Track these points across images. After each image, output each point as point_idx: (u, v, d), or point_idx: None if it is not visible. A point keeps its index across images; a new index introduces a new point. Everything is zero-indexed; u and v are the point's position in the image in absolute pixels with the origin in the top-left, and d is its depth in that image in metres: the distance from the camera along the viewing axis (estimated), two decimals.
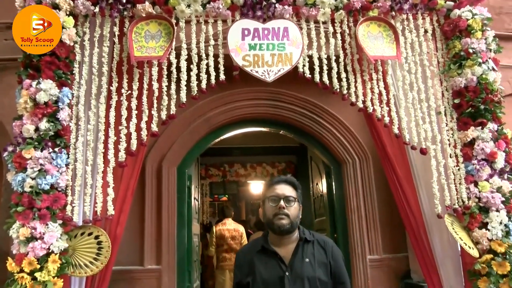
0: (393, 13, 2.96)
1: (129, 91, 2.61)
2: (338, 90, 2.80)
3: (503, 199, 2.66)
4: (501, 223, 2.64)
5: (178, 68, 2.60)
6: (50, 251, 2.24)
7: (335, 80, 2.78)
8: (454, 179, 2.80)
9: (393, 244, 3.90)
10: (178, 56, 2.63)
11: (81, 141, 2.50)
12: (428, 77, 2.93)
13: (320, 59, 2.77)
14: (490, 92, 2.81)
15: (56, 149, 2.38)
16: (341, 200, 4.13)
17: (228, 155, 7.61)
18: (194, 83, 2.58)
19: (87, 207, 2.44)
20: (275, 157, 7.85)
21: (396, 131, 2.83)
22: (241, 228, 6.02)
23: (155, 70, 2.62)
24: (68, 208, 2.38)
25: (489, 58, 2.90)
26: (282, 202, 2.00)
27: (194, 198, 4.41)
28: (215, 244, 5.78)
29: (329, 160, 4.24)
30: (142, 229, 3.63)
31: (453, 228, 2.67)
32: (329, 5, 2.81)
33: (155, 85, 2.59)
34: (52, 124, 2.39)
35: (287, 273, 1.93)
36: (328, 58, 2.79)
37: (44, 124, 2.37)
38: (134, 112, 2.58)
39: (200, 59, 2.64)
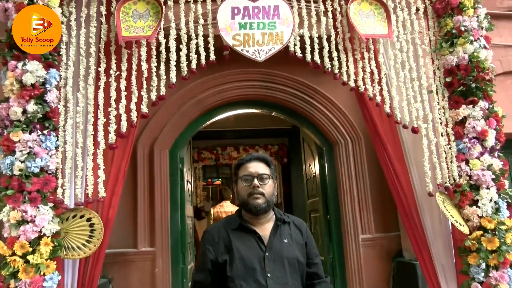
0: None
1: (118, 72, 2.56)
2: (329, 69, 2.77)
3: (494, 176, 2.69)
4: (491, 200, 2.67)
5: (167, 49, 2.56)
6: (42, 234, 2.22)
7: (326, 60, 2.76)
8: (446, 158, 2.81)
9: (385, 224, 3.94)
10: (167, 36, 2.58)
11: (70, 123, 2.46)
12: (420, 55, 2.92)
13: (311, 38, 2.73)
14: (481, 70, 2.81)
15: (45, 132, 2.35)
16: (333, 181, 4.15)
17: (220, 138, 7.60)
18: (184, 64, 2.54)
19: (78, 190, 2.42)
20: (268, 140, 7.86)
21: (387, 110, 2.82)
22: None
23: (143, 50, 2.57)
24: (59, 191, 2.36)
25: (481, 36, 2.89)
26: (256, 181, 1.91)
27: (187, 181, 4.41)
28: None
29: (321, 141, 4.24)
30: (135, 212, 3.63)
31: (444, 206, 2.70)
32: None
33: (144, 66, 2.55)
34: (40, 106, 2.35)
35: (267, 253, 1.87)
36: (320, 37, 2.76)
37: (32, 106, 2.32)
38: (124, 94, 2.53)
39: (189, 39, 2.60)
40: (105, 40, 2.60)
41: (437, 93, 2.91)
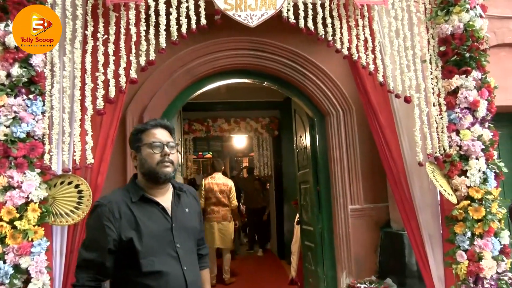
0: None
1: (106, 36, 2.48)
2: (323, 36, 2.72)
3: (483, 147, 2.71)
4: (479, 170, 2.70)
5: (157, 12, 2.48)
6: (29, 200, 2.20)
7: (320, 26, 2.70)
8: (437, 128, 2.82)
9: (374, 195, 3.97)
10: None
11: (57, 88, 2.39)
12: (415, 24, 2.87)
13: (305, 3, 2.67)
14: (476, 40, 2.78)
15: (31, 96, 2.28)
16: (324, 152, 4.15)
17: (211, 110, 7.54)
18: (174, 28, 2.47)
19: (66, 156, 2.38)
20: (259, 112, 7.80)
21: (380, 79, 2.79)
22: (230, 182, 6.10)
23: (132, 13, 2.48)
24: (46, 157, 2.31)
25: (477, 4, 2.85)
26: (166, 149, 1.86)
27: (177, 151, 4.38)
28: (204, 197, 5.85)
29: (313, 112, 4.22)
30: (125, 180, 3.59)
31: (434, 176, 2.72)
32: None
33: (133, 30, 2.47)
34: (25, 70, 2.27)
35: (174, 224, 1.85)
36: (314, 3, 2.69)
37: (16, 70, 2.25)
38: (112, 58, 2.45)
39: (179, 2, 2.51)
40: (92, 3, 2.50)
41: (430, 63, 2.88)
